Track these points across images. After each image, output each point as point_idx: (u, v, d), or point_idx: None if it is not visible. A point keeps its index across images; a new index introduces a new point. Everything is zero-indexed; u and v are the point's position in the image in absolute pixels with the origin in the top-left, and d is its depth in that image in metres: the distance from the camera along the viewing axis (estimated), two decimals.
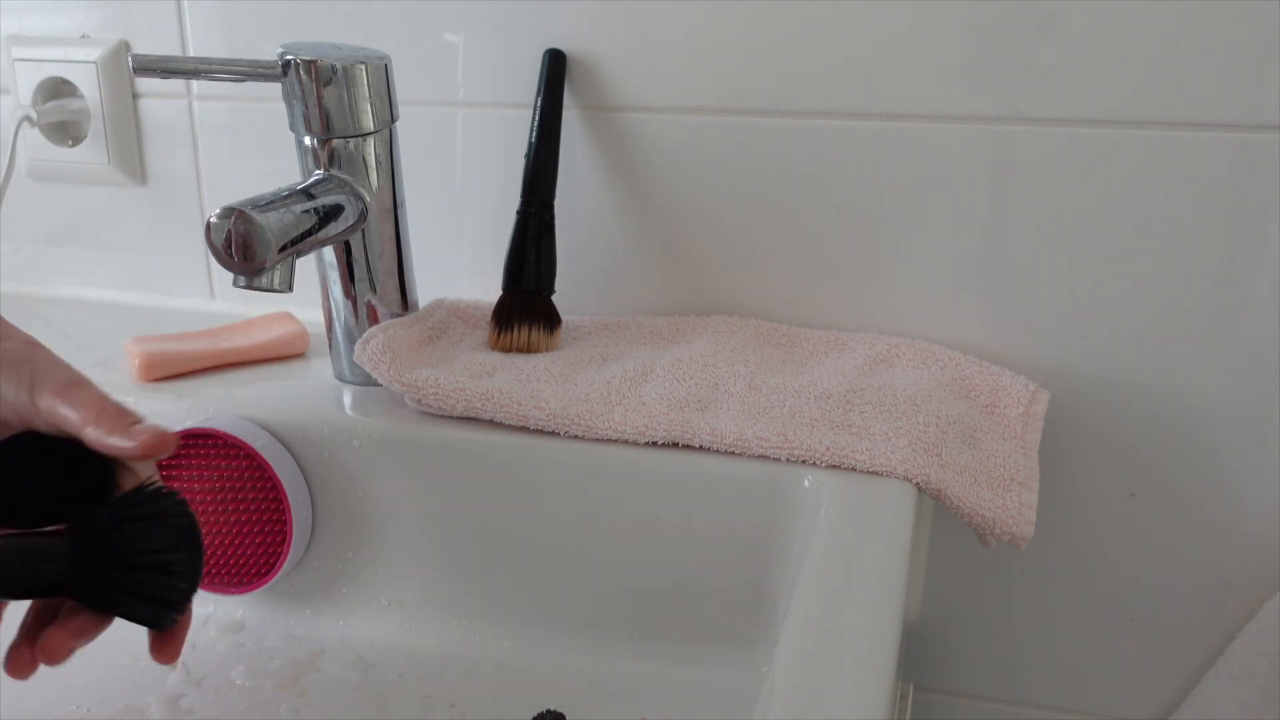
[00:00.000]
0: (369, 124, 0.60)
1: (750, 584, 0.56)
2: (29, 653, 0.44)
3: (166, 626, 0.45)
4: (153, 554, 0.44)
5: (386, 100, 0.61)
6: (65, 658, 0.44)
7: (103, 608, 0.44)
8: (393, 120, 0.61)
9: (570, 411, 0.57)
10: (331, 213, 0.57)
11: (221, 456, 0.60)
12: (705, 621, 0.57)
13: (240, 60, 0.57)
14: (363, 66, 0.59)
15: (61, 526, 0.44)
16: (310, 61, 0.57)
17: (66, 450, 0.44)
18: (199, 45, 0.75)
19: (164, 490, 0.45)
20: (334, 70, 0.58)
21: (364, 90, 0.59)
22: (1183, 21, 0.59)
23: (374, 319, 0.64)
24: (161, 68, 0.54)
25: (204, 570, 0.46)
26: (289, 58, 0.57)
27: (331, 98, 0.58)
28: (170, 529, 0.44)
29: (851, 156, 0.66)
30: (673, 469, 0.56)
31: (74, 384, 0.45)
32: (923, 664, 0.75)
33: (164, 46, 0.76)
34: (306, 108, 0.58)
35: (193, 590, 0.45)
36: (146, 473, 0.46)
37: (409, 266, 0.65)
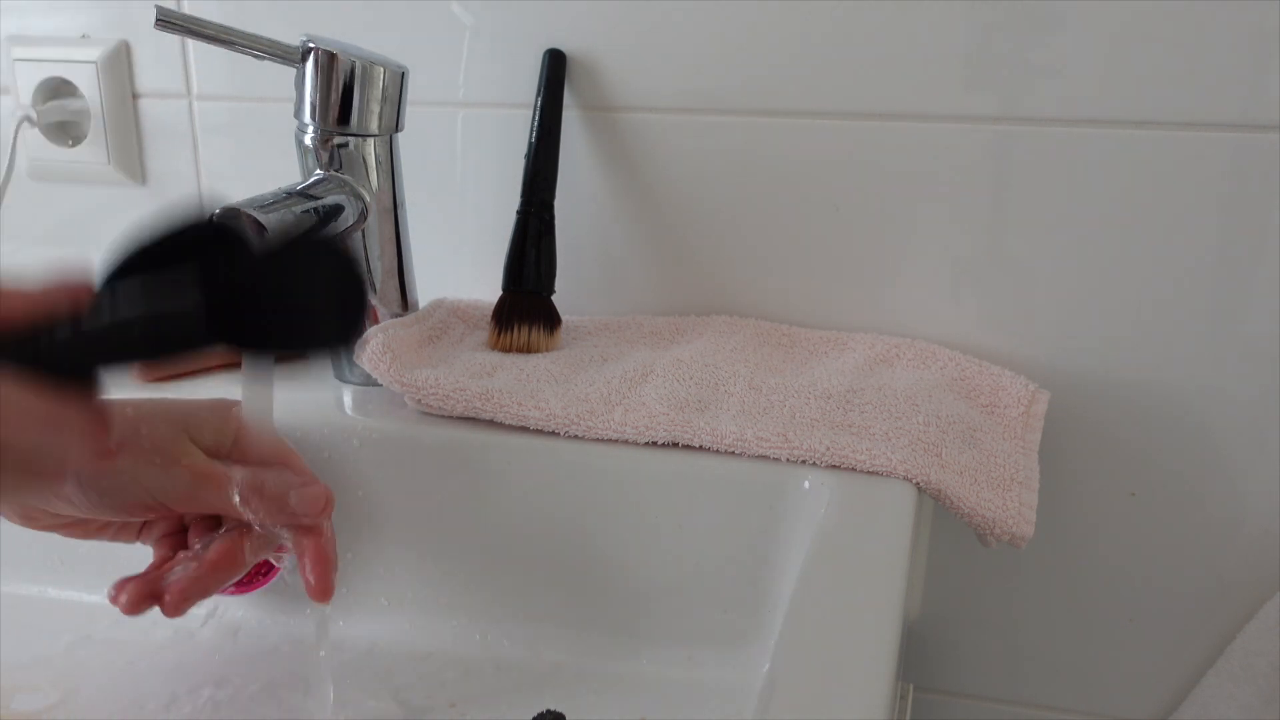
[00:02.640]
0: (374, 126, 0.60)
1: (750, 584, 0.56)
2: (146, 589, 0.45)
3: (342, 350, 0.42)
4: (304, 278, 0.39)
5: (396, 108, 0.61)
6: (191, 602, 0.46)
7: (253, 343, 0.39)
8: (397, 129, 0.61)
9: (570, 411, 0.57)
10: (331, 213, 0.57)
11: None
12: (705, 621, 0.57)
13: (263, 37, 0.57)
14: (381, 69, 0.59)
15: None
16: (331, 53, 0.58)
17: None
18: (199, 45, 0.75)
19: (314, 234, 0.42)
20: (353, 65, 0.58)
21: (378, 92, 0.59)
22: (1183, 21, 0.59)
23: (374, 319, 0.64)
24: (186, 25, 0.54)
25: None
26: (311, 45, 0.58)
27: (344, 92, 0.58)
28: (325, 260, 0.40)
29: (851, 156, 0.66)
30: (673, 469, 0.56)
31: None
32: (923, 664, 0.75)
33: (164, 47, 0.76)
34: (317, 97, 0.58)
35: (354, 330, 0.42)
36: None
37: (409, 266, 0.65)
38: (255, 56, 0.57)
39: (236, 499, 0.46)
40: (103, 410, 0.41)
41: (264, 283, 0.39)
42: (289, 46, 0.58)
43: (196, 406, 0.49)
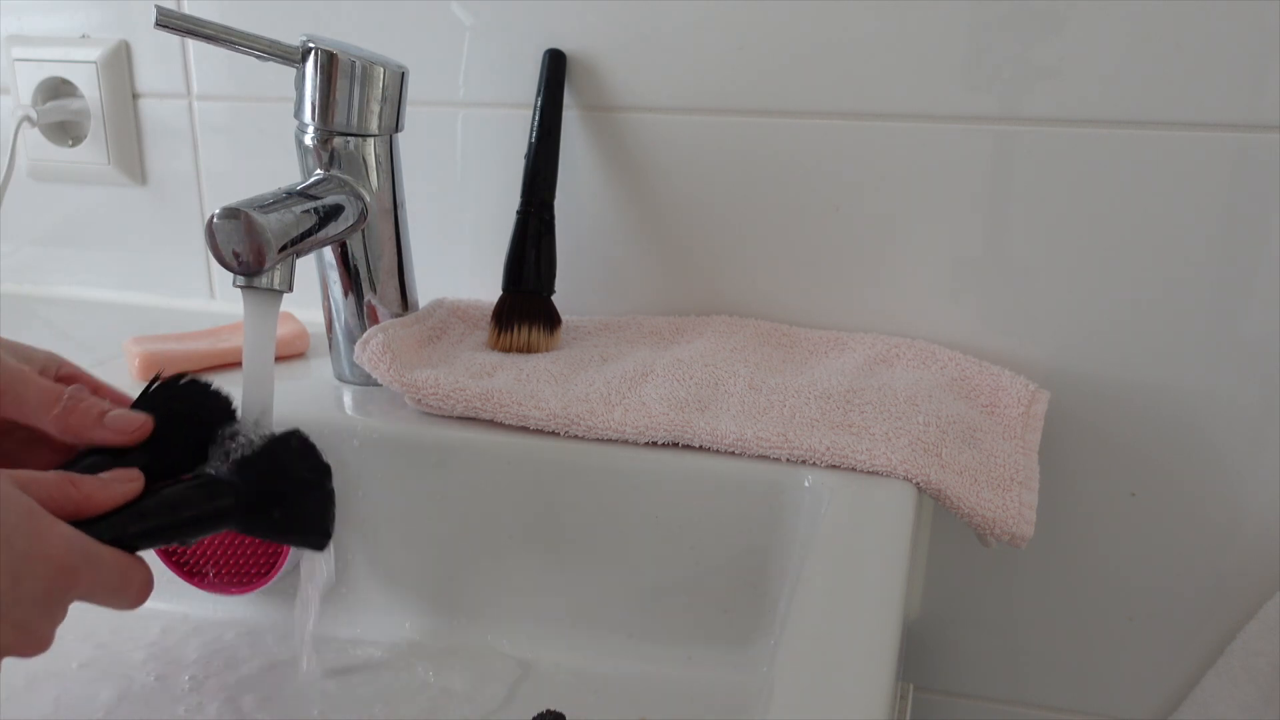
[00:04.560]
0: (374, 126, 0.60)
1: (750, 584, 0.56)
2: None
3: (323, 547, 0.53)
4: (303, 479, 0.51)
5: (395, 108, 0.61)
6: None
7: (268, 535, 0.52)
8: (397, 129, 0.61)
9: (570, 411, 0.57)
10: (331, 213, 0.57)
11: None
12: (705, 621, 0.57)
13: (262, 37, 0.57)
14: (381, 69, 0.59)
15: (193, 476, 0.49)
16: (331, 53, 0.58)
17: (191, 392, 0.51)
18: (199, 45, 0.75)
19: (290, 432, 0.51)
20: (352, 65, 0.58)
21: (377, 92, 0.59)
22: (1183, 21, 0.59)
23: (374, 319, 0.64)
24: (185, 25, 0.54)
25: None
26: (311, 45, 0.58)
27: (345, 91, 0.58)
28: (309, 460, 0.52)
29: (851, 156, 0.66)
30: (673, 469, 0.56)
31: (14, 388, 0.47)
32: (923, 664, 0.75)
33: (164, 47, 0.76)
34: (317, 96, 0.58)
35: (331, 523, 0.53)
36: None
37: (409, 266, 0.65)
38: (255, 56, 0.57)
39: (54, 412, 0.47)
40: None
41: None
42: (289, 46, 0.58)
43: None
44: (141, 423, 0.48)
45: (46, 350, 0.52)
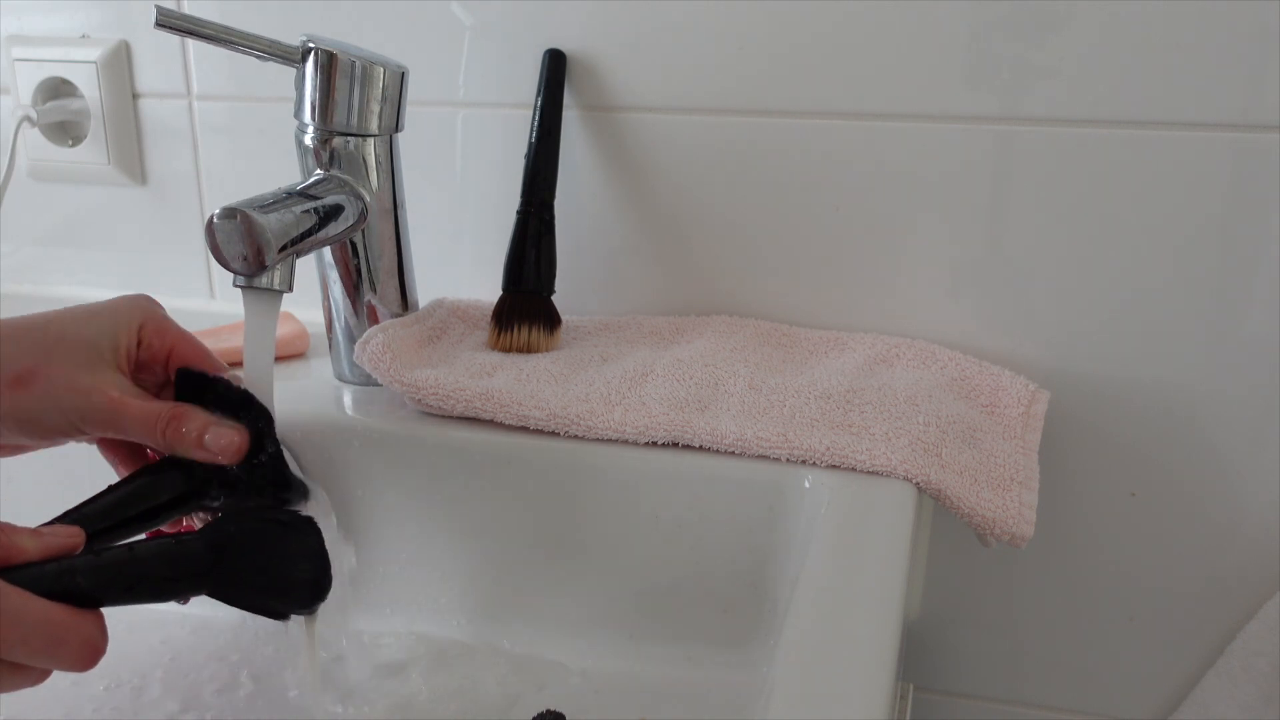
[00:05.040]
0: (374, 126, 0.60)
1: (750, 584, 0.56)
2: None
3: (287, 619, 0.50)
4: (287, 563, 0.49)
5: (395, 108, 0.61)
6: None
7: (238, 605, 0.48)
8: (397, 129, 0.61)
9: (570, 411, 0.57)
10: (331, 213, 0.57)
11: None
12: (705, 621, 0.57)
13: (262, 37, 0.57)
14: (381, 69, 0.59)
15: (182, 530, 0.48)
16: (331, 53, 0.58)
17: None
18: (199, 45, 0.75)
19: (296, 512, 0.50)
20: (352, 65, 0.58)
21: (377, 92, 0.59)
22: (1183, 21, 0.59)
23: (374, 319, 0.64)
24: (185, 25, 0.54)
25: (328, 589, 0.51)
26: (311, 45, 0.58)
27: (345, 91, 0.58)
28: (302, 544, 0.49)
29: (851, 156, 0.66)
30: (673, 469, 0.56)
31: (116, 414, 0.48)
32: (923, 664, 0.75)
33: (164, 47, 0.76)
34: (317, 96, 0.58)
35: (319, 599, 0.50)
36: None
37: (409, 266, 0.65)
38: (255, 56, 0.57)
39: (157, 435, 0.48)
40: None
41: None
42: (289, 46, 0.58)
43: (111, 319, 0.50)
44: (240, 444, 0.49)
45: (128, 299, 0.52)
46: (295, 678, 0.57)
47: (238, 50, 0.56)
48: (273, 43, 0.57)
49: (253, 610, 0.48)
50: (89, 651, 0.40)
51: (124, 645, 0.60)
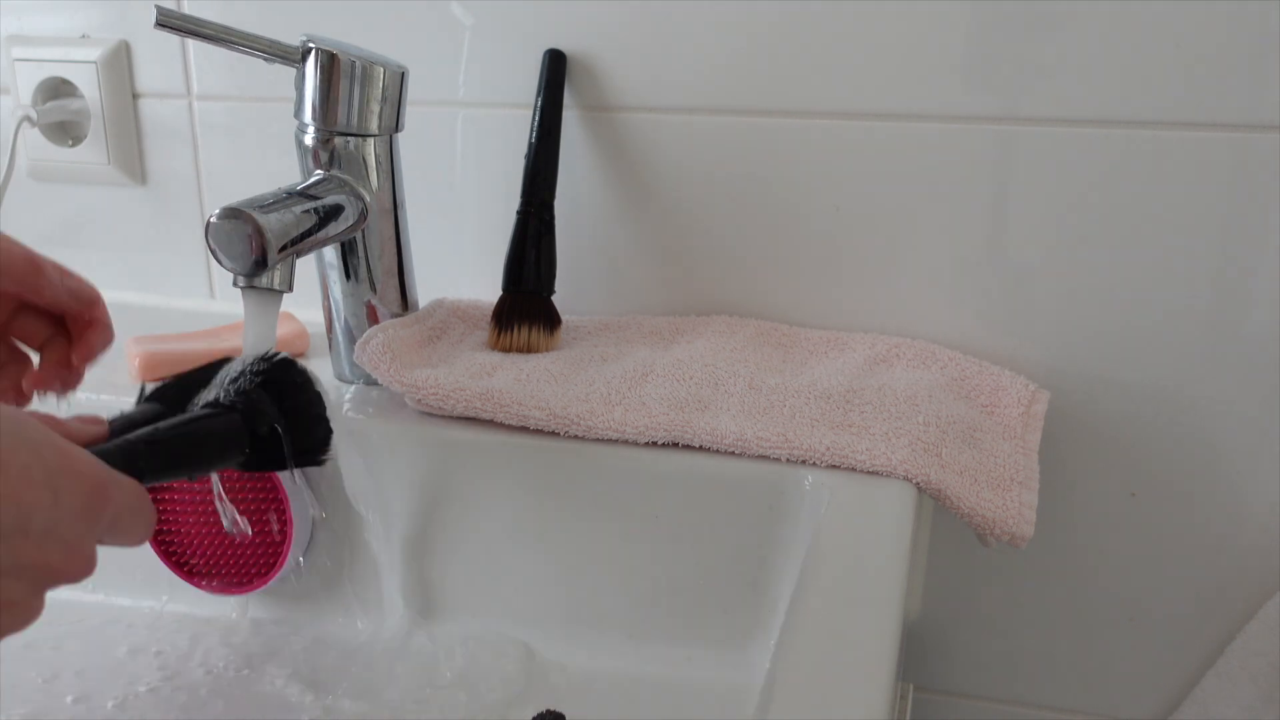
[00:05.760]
0: (374, 126, 0.60)
1: (750, 584, 0.56)
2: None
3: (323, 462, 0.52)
4: (311, 411, 0.51)
5: (395, 108, 0.61)
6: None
7: (278, 468, 0.50)
8: (397, 129, 0.61)
9: (570, 411, 0.57)
10: (331, 213, 0.57)
11: None
12: (705, 621, 0.57)
13: (263, 37, 0.57)
14: (381, 69, 0.59)
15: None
16: (331, 53, 0.58)
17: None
18: (199, 45, 0.75)
19: (282, 358, 0.51)
20: (352, 65, 0.58)
21: (377, 92, 0.59)
22: (1183, 21, 0.59)
23: (374, 319, 0.64)
24: (185, 26, 0.54)
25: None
26: (311, 45, 0.58)
27: (345, 91, 0.58)
28: (308, 388, 0.51)
29: (851, 156, 0.66)
30: (673, 469, 0.56)
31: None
32: (923, 664, 0.75)
33: (164, 47, 0.76)
34: (317, 97, 0.58)
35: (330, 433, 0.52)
36: None
37: (409, 266, 0.65)
38: (255, 56, 0.57)
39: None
40: None
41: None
42: (289, 46, 0.58)
43: None
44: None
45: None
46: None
47: (238, 50, 0.56)
48: (273, 43, 0.57)
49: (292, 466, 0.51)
50: (155, 519, 0.43)
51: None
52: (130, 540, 0.41)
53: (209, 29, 0.55)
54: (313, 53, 0.58)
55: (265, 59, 0.58)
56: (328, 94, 0.58)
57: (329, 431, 0.52)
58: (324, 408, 0.52)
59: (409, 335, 0.63)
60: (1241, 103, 0.59)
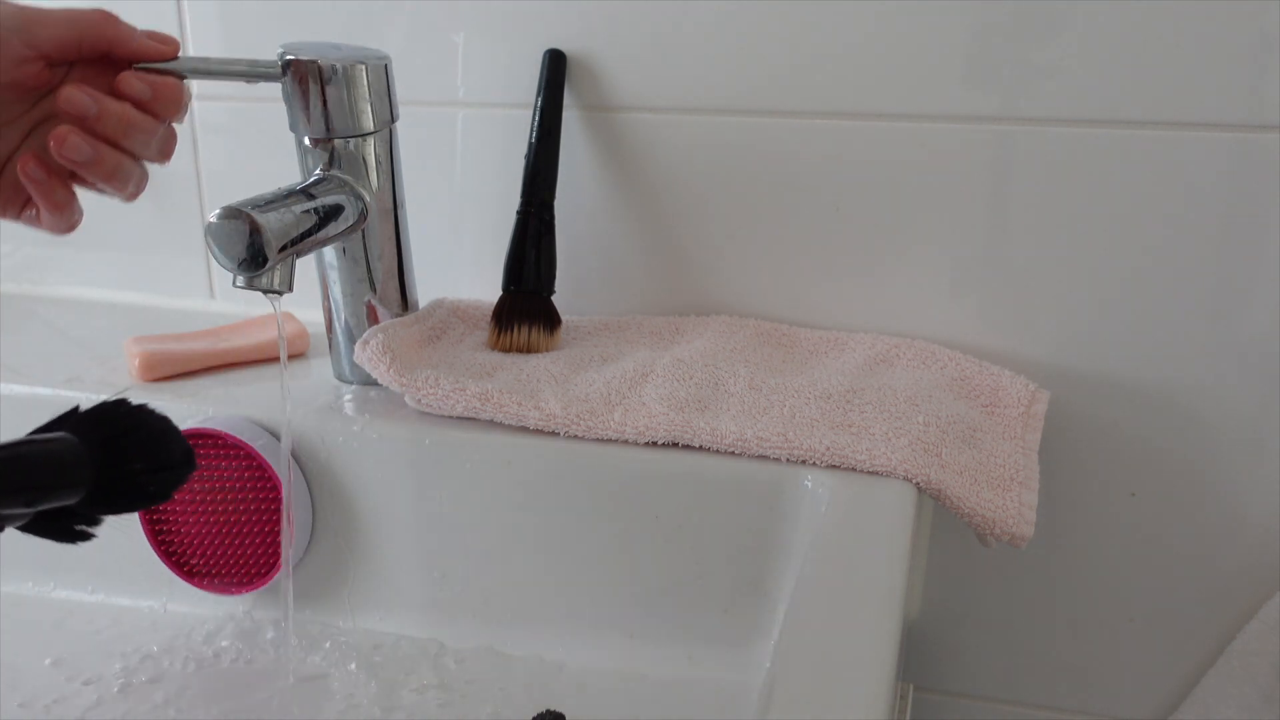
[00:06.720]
0: (369, 124, 0.60)
1: (750, 584, 0.56)
2: None
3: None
4: (161, 454, 0.44)
5: (386, 100, 0.61)
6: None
7: (118, 508, 0.43)
8: (393, 120, 0.61)
9: (570, 411, 0.57)
10: (331, 213, 0.57)
11: (221, 456, 0.60)
12: (705, 621, 0.57)
13: (239, 60, 0.57)
14: (362, 67, 0.59)
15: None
16: (310, 61, 0.57)
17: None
18: (199, 45, 0.75)
19: (139, 405, 0.45)
20: (334, 70, 0.58)
21: (364, 90, 0.59)
22: (1183, 21, 0.59)
23: (374, 319, 0.64)
24: (160, 68, 0.54)
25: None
26: (289, 58, 0.57)
27: (331, 98, 0.58)
28: (164, 433, 0.44)
29: (851, 156, 0.66)
30: (673, 469, 0.56)
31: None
32: (923, 664, 0.75)
33: None
34: (306, 108, 0.58)
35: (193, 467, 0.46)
36: None
37: (409, 266, 0.65)
38: (235, 80, 0.57)
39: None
40: None
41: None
42: (268, 63, 0.57)
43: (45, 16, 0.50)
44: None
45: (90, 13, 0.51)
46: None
47: (216, 79, 0.56)
48: (251, 63, 0.57)
49: (137, 502, 0.44)
50: None
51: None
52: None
53: (186, 65, 0.54)
54: (292, 65, 0.58)
55: (247, 81, 0.57)
56: (315, 103, 0.58)
57: (188, 447, 0.45)
58: (168, 421, 0.46)
59: (409, 335, 0.63)
60: (1241, 103, 0.59)
